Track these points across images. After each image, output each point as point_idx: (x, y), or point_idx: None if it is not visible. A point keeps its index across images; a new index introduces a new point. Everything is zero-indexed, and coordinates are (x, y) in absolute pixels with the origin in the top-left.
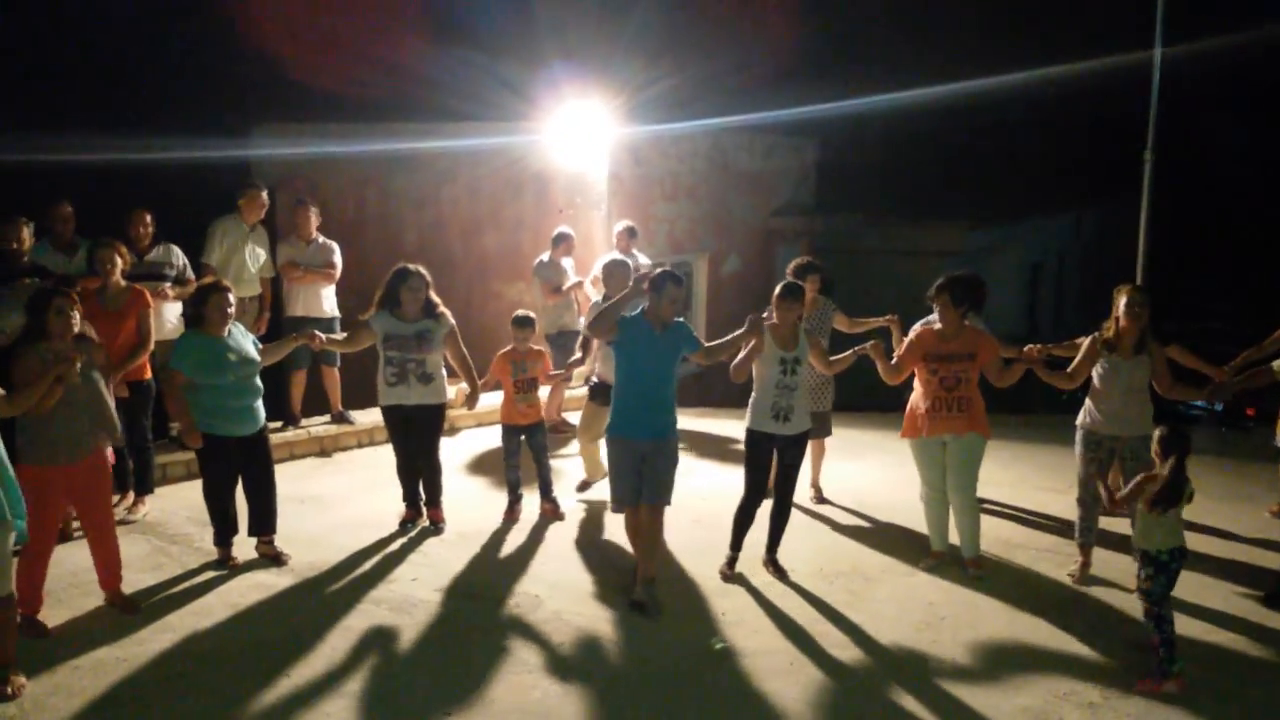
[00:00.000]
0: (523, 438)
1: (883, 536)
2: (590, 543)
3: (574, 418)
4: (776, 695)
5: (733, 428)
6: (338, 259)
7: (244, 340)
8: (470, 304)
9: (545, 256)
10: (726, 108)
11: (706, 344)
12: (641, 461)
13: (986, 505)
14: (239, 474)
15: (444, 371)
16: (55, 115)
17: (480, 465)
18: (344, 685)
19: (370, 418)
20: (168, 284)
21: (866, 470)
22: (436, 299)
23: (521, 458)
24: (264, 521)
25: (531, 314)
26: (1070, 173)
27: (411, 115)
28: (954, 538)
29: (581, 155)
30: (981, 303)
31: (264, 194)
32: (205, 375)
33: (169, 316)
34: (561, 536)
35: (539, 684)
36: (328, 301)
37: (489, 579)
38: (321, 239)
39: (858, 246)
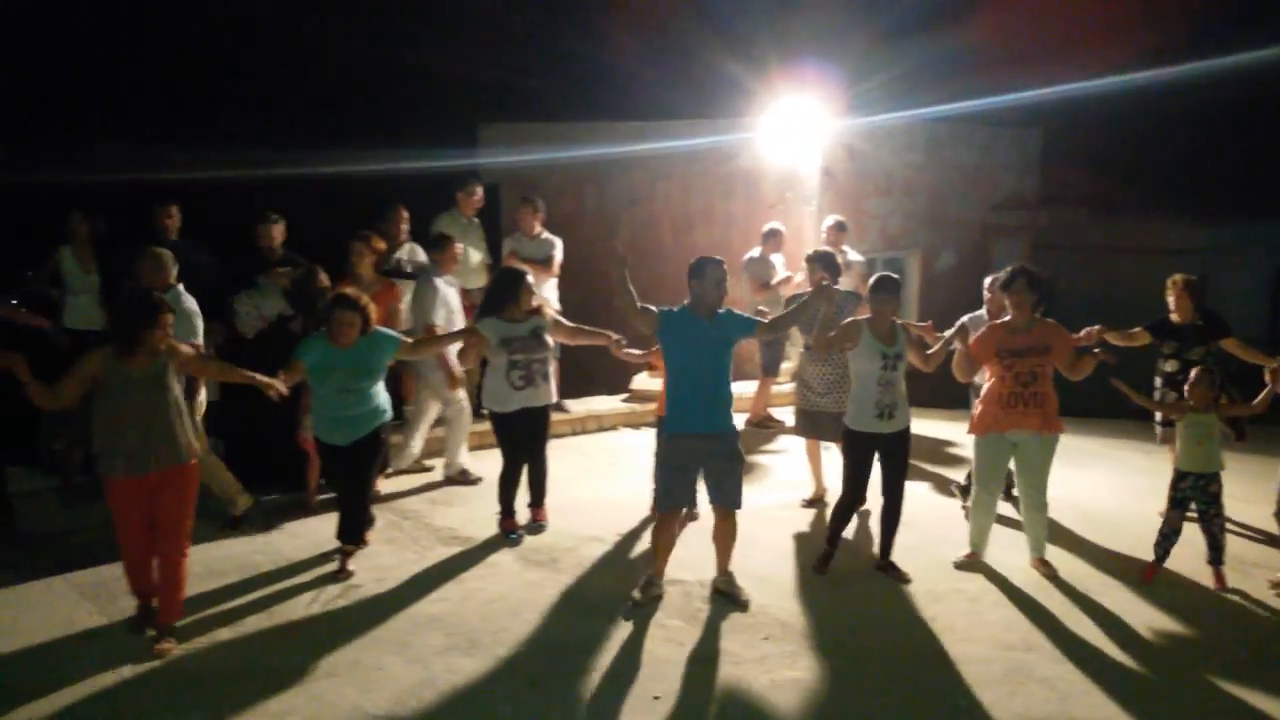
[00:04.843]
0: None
1: (1103, 548)
2: (792, 537)
3: (779, 413)
4: (991, 706)
5: (941, 428)
6: (558, 253)
7: (370, 355)
8: (680, 297)
9: (755, 252)
10: (945, 98)
11: (767, 320)
12: (701, 462)
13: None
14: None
15: None
16: (298, 132)
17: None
18: (556, 660)
19: (584, 406)
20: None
21: (1090, 479)
22: None
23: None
24: (344, 529)
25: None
26: None
27: (628, 114)
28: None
29: (793, 150)
30: (1049, 297)
31: (480, 188)
32: (311, 377)
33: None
34: (765, 529)
35: (745, 675)
36: (549, 294)
37: (692, 570)
38: (545, 234)
39: (1082, 243)
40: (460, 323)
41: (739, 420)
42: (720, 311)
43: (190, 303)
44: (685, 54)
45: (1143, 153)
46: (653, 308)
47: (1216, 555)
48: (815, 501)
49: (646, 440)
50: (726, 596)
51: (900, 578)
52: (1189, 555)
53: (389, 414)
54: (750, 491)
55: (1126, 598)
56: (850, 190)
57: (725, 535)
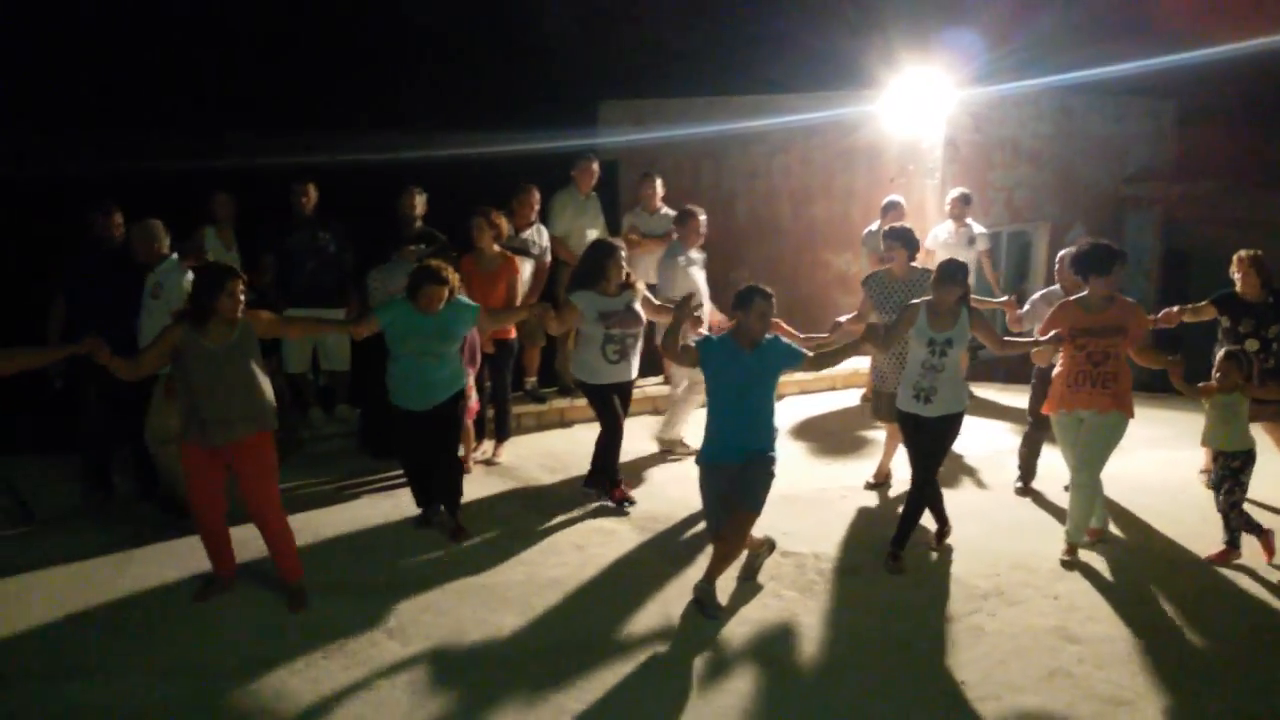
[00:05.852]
0: None
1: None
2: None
3: None
4: (1114, 684)
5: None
6: None
7: (451, 321)
8: (798, 272)
9: (874, 226)
10: (1077, 65)
11: (812, 352)
12: (730, 483)
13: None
14: (424, 444)
15: None
16: (428, 113)
17: (802, 431)
18: (671, 626)
19: (697, 374)
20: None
21: None
22: None
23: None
24: (441, 496)
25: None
26: None
27: (747, 89)
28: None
29: (916, 122)
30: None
31: (595, 163)
32: (390, 339)
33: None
34: (882, 506)
35: (862, 649)
36: None
37: (807, 542)
38: (665, 209)
39: (1222, 217)
40: (707, 298)
41: (854, 395)
42: (766, 338)
43: (183, 275)
44: (805, 26)
45: None
46: (692, 344)
47: (1232, 537)
48: (876, 485)
49: None
50: (701, 608)
51: (896, 570)
52: None
53: (464, 381)
54: (866, 469)
55: (1251, 577)
56: (975, 162)
57: (728, 537)
